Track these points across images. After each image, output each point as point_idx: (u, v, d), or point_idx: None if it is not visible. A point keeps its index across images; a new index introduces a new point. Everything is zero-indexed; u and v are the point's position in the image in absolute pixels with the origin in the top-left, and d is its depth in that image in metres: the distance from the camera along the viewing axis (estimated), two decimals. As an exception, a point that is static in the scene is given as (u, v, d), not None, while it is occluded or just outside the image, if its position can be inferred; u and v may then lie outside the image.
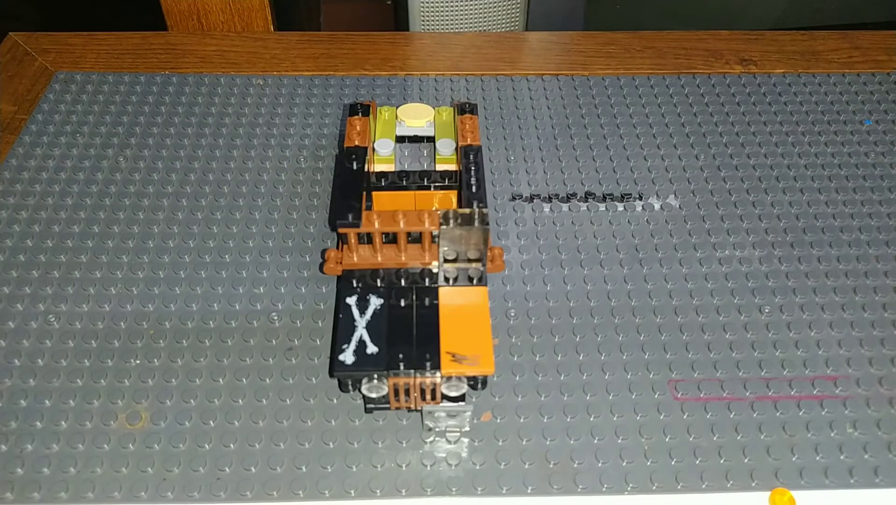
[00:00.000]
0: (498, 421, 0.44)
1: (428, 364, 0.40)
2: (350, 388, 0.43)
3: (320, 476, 0.41)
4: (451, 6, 1.11)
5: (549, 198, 0.57)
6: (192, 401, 0.44)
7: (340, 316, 0.43)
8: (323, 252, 0.52)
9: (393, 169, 0.52)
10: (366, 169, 0.49)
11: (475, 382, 0.43)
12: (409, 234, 0.44)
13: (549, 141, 0.62)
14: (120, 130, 0.62)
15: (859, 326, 0.49)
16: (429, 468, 0.42)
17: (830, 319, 0.49)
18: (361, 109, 0.52)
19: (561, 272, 0.52)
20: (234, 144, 0.61)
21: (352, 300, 0.43)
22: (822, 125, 0.64)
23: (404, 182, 0.50)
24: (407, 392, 0.41)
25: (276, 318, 0.49)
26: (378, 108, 0.56)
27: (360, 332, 0.42)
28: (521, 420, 0.44)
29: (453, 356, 0.40)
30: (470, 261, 0.44)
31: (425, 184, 0.50)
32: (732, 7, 1.42)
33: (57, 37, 0.73)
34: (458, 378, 0.40)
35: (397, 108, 0.56)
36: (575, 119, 0.65)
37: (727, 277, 0.52)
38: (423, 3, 1.10)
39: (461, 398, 0.41)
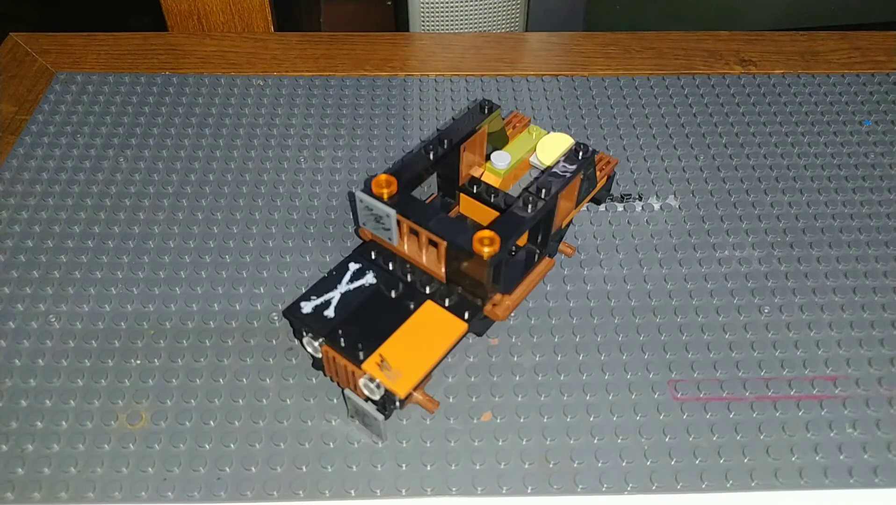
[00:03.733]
0: (498, 421, 0.44)
1: (357, 353, 0.40)
2: (296, 336, 0.44)
3: (320, 476, 0.41)
4: (451, 6, 1.11)
5: (549, 198, 0.57)
6: (192, 401, 0.44)
7: (333, 272, 0.44)
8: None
9: (498, 184, 0.51)
10: (476, 175, 0.49)
11: (384, 404, 0.41)
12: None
13: (548, 141, 0.62)
14: (120, 131, 0.62)
15: (858, 327, 0.49)
16: (429, 468, 0.42)
17: (830, 319, 0.49)
18: (488, 107, 0.50)
19: (561, 272, 0.52)
20: (234, 145, 0.61)
21: (353, 266, 0.45)
22: (821, 126, 0.64)
23: (491, 199, 0.49)
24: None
25: (276, 318, 0.49)
26: (530, 126, 0.54)
27: (334, 294, 0.43)
28: (521, 420, 0.44)
29: (381, 360, 0.40)
30: (473, 294, 0.44)
31: (502, 207, 0.49)
32: (732, 7, 1.42)
33: (57, 37, 0.73)
34: (378, 384, 0.40)
35: (545, 134, 0.53)
36: (575, 119, 0.65)
37: (727, 278, 0.52)
38: (423, 3, 1.10)
39: (381, 406, 0.41)
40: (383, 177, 0.43)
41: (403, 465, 0.42)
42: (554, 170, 0.46)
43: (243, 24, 0.93)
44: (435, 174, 0.50)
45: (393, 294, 0.44)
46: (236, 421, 0.44)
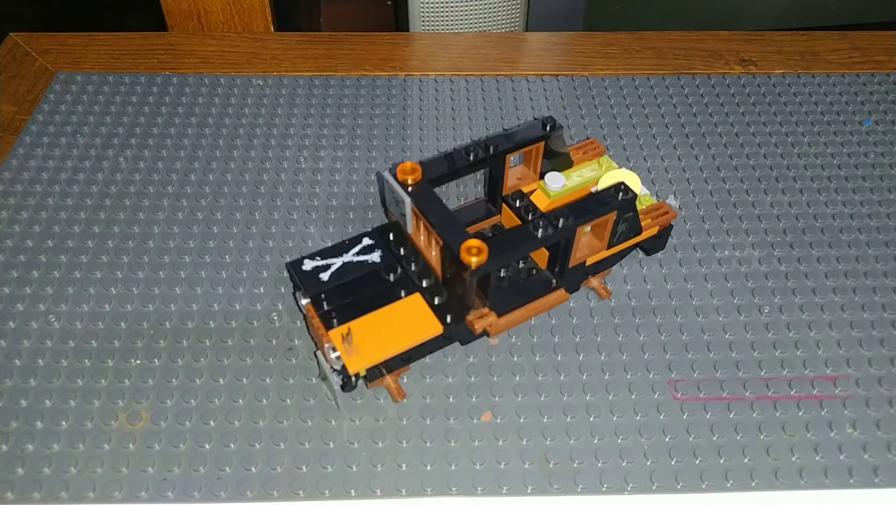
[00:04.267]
0: (498, 421, 0.44)
1: (332, 321, 0.42)
2: (294, 289, 0.46)
3: (320, 476, 0.41)
4: (451, 6, 1.11)
5: (549, 198, 0.57)
6: (192, 401, 0.44)
7: (345, 241, 0.46)
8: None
9: (545, 204, 0.48)
10: (526, 191, 0.49)
11: (345, 381, 0.42)
12: None
13: (548, 141, 0.62)
14: (120, 131, 0.62)
15: (859, 327, 0.49)
16: (429, 468, 0.42)
17: (830, 319, 0.49)
18: (550, 125, 0.49)
19: (561, 272, 0.52)
20: (234, 145, 0.61)
21: (367, 241, 0.46)
22: (821, 126, 0.64)
23: (528, 217, 0.47)
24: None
25: (276, 318, 0.49)
26: (604, 157, 0.51)
27: (337, 261, 0.45)
28: (521, 420, 0.44)
29: (347, 333, 0.41)
30: (459, 300, 0.43)
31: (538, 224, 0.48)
32: (732, 7, 1.41)
33: (57, 37, 0.73)
34: (338, 356, 0.41)
35: (614, 168, 0.51)
36: (575, 119, 0.65)
37: (727, 278, 0.52)
38: (423, 3, 1.10)
39: (343, 378, 0.42)
40: (409, 164, 0.44)
41: (403, 465, 0.42)
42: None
43: (243, 24, 0.93)
44: (486, 178, 0.51)
45: (391, 277, 0.44)
46: (236, 421, 0.44)
